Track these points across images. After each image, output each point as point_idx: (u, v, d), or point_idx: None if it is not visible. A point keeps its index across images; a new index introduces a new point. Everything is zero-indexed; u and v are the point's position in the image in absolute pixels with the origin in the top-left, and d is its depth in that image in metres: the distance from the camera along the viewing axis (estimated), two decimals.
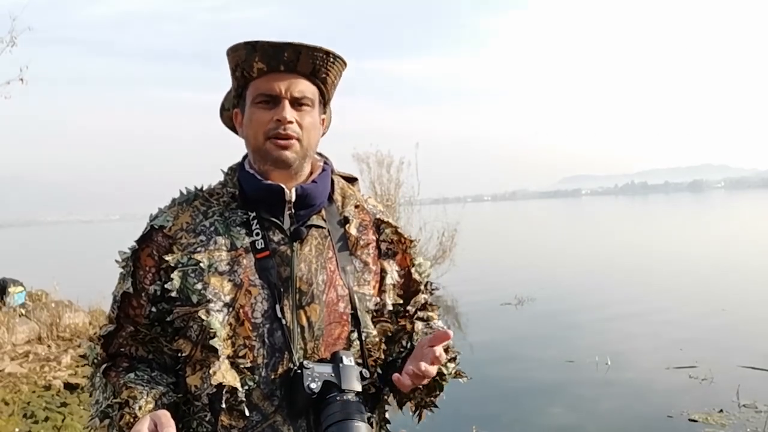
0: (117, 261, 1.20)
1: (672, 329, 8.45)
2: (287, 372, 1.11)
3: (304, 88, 1.16)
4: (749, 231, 24.20)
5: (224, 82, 1.23)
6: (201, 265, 1.13)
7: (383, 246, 1.28)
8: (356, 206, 1.27)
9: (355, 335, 1.18)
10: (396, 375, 1.10)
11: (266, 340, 1.11)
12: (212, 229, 1.17)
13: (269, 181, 1.17)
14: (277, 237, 1.17)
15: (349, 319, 1.18)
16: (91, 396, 1.19)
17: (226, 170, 1.26)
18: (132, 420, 1.04)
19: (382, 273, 1.26)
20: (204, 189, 1.24)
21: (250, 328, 1.11)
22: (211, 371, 1.09)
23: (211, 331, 1.10)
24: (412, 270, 1.31)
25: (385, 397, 1.27)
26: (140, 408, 1.06)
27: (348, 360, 1.11)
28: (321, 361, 1.12)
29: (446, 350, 1.19)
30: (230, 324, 1.11)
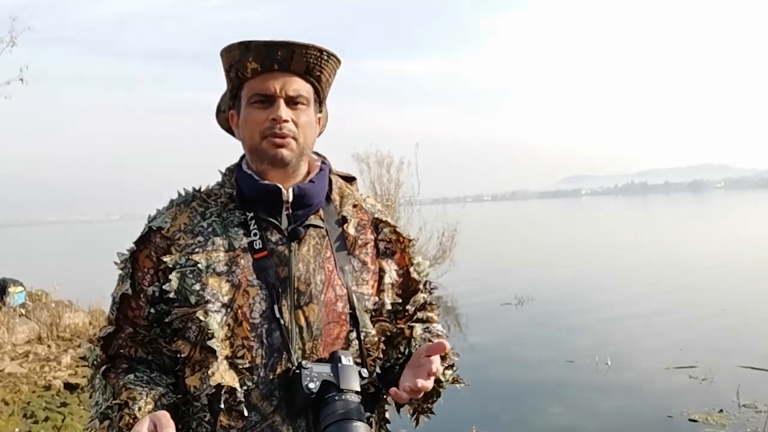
0: (116, 263, 1.20)
1: (672, 329, 8.44)
2: (286, 372, 1.11)
3: (299, 86, 1.16)
4: (749, 231, 24.17)
5: (224, 83, 1.24)
6: (199, 265, 1.13)
7: (381, 245, 1.28)
8: (354, 206, 1.27)
9: (353, 335, 1.18)
10: (393, 389, 1.10)
11: (264, 340, 1.11)
12: (210, 229, 1.17)
13: (266, 181, 1.17)
14: (274, 237, 1.17)
15: (348, 319, 1.18)
16: (91, 397, 1.19)
17: (223, 171, 1.26)
18: (131, 421, 1.05)
19: (381, 272, 1.26)
20: (202, 190, 1.24)
21: (249, 328, 1.11)
22: (209, 372, 1.10)
23: (209, 331, 1.10)
24: (411, 269, 1.31)
25: (384, 396, 1.27)
26: (140, 409, 1.06)
27: (347, 360, 1.11)
28: (320, 361, 1.12)
29: (444, 357, 1.19)
30: (228, 324, 1.11)
